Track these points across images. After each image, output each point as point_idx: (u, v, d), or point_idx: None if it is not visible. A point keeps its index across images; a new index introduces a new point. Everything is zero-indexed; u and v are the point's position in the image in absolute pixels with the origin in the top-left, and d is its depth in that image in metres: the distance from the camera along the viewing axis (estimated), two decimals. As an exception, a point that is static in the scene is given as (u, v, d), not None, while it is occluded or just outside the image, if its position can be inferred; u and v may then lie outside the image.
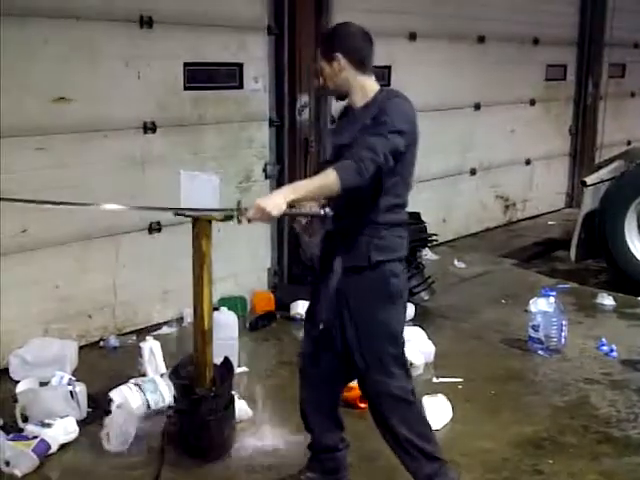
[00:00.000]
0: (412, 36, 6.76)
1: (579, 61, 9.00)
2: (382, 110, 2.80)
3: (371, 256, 2.84)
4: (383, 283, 2.88)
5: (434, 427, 3.69)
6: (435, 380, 4.36)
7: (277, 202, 2.66)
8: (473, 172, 7.80)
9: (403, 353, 2.99)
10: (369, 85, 2.93)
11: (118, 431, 3.57)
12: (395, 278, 2.90)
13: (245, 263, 5.60)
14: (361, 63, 2.91)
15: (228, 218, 3.46)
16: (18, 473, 3.34)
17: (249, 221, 2.82)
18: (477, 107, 7.70)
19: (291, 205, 2.73)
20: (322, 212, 2.79)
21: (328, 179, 2.68)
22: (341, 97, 3.00)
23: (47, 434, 3.53)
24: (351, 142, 2.82)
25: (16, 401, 3.77)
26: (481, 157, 7.85)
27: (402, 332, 2.99)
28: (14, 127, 4.26)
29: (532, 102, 8.43)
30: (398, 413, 2.94)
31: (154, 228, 5.07)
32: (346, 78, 2.90)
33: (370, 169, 2.68)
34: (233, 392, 3.70)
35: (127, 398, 3.83)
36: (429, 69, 6.87)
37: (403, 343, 3.00)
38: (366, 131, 2.78)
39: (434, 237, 6.22)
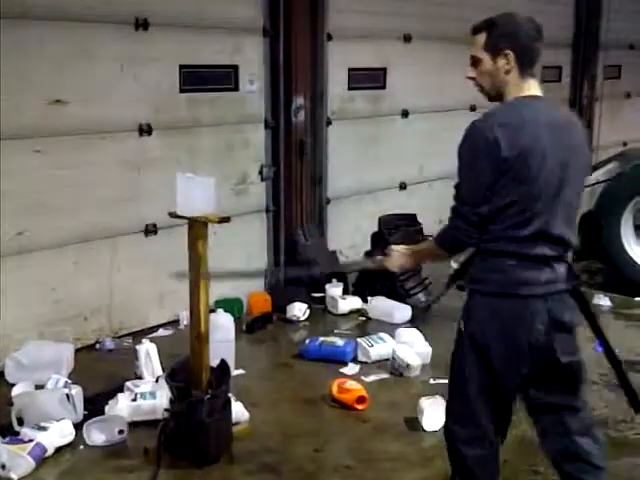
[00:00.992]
0: (407, 38, 6.76)
1: (574, 63, 9.02)
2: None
3: None
4: None
5: (431, 428, 3.72)
6: (432, 381, 4.35)
7: (403, 260, 3.01)
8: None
9: None
10: (525, 91, 2.58)
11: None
12: None
13: (241, 265, 5.59)
14: (529, 65, 2.59)
15: (223, 220, 3.48)
16: (14, 477, 3.32)
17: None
18: (473, 109, 7.69)
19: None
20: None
21: (436, 249, 2.82)
22: (493, 98, 2.68)
23: (43, 437, 3.51)
24: None
25: (12, 404, 3.75)
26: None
27: None
28: (11, 129, 4.26)
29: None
30: None
31: (150, 230, 5.06)
32: (507, 79, 2.58)
33: (462, 237, 2.61)
34: (230, 394, 3.69)
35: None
36: (424, 71, 6.87)
37: None
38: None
39: (430, 239, 6.21)
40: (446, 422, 2.82)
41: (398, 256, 2.96)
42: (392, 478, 3.30)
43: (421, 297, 5.70)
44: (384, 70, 6.57)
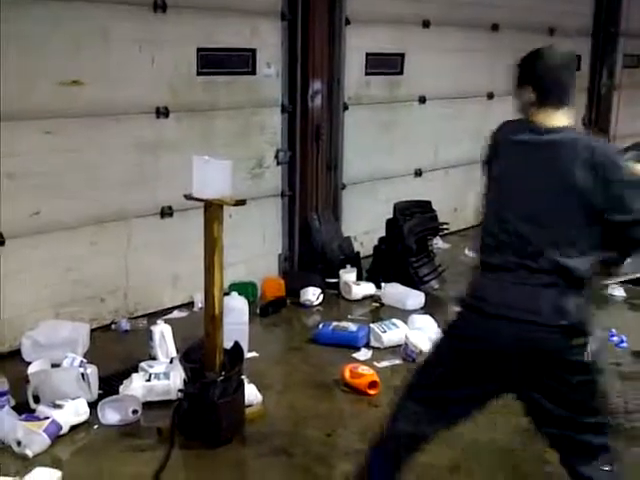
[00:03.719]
0: (426, 23, 6.72)
1: (593, 51, 8.94)
2: None
3: None
4: None
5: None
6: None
7: None
8: (486, 161, 7.76)
9: None
10: (542, 120, 2.65)
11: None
12: None
13: (256, 249, 5.62)
14: (545, 97, 2.67)
15: (239, 203, 3.49)
16: (29, 453, 3.36)
17: None
18: (490, 96, 7.66)
19: None
20: None
21: None
22: None
23: (58, 415, 3.55)
24: None
25: (28, 382, 3.79)
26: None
27: None
28: (27, 110, 4.28)
29: (546, 92, 8.36)
30: None
31: (166, 213, 5.08)
32: (531, 111, 2.70)
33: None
34: (243, 376, 3.71)
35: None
36: (442, 57, 6.83)
37: None
38: None
39: (445, 226, 6.22)
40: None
41: None
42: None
43: (434, 284, 5.71)
44: (402, 55, 6.54)
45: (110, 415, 3.70)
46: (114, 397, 3.80)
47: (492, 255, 2.61)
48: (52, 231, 4.51)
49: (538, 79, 2.73)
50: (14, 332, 4.34)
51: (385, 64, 6.47)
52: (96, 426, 3.63)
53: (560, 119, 2.63)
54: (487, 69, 7.39)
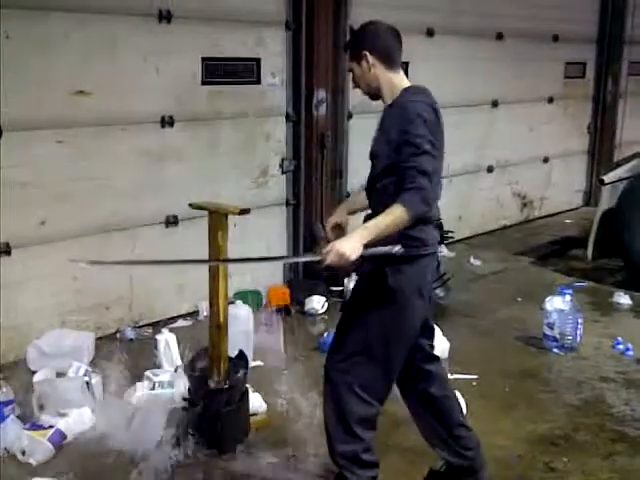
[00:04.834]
0: (430, 32, 6.75)
1: (599, 59, 8.94)
2: (405, 119, 2.75)
3: None
4: None
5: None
6: (450, 376, 4.34)
7: (355, 246, 2.64)
8: (490, 169, 7.78)
9: None
10: (397, 82, 2.91)
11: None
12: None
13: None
14: (389, 59, 2.90)
15: (244, 212, 3.50)
16: (33, 462, 3.38)
17: (327, 266, 2.73)
18: (495, 104, 7.67)
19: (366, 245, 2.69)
20: (394, 250, 2.70)
21: (396, 214, 2.65)
22: (374, 97, 2.99)
23: (63, 424, 3.57)
24: (377, 153, 2.86)
25: (33, 391, 3.81)
26: (498, 154, 7.82)
27: None
28: (35, 120, 4.31)
29: (550, 100, 8.38)
30: None
31: (171, 222, 5.09)
32: (375, 76, 2.89)
33: (431, 196, 2.71)
34: (247, 385, 3.71)
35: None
36: (447, 65, 6.85)
37: None
38: (400, 149, 2.72)
39: (450, 234, 6.21)
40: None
41: (351, 236, 2.69)
42: (409, 470, 3.31)
43: (439, 292, 5.69)
44: (406, 64, 6.55)
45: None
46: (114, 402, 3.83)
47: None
48: (58, 240, 4.53)
49: (379, 43, 2.91)
50: (20, 341, 4.36)
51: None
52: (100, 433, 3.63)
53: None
54: (491, 77, 7.41)
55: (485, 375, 4.39)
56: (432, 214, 2.85)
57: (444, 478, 3.18)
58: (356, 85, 3.00)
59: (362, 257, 2.70)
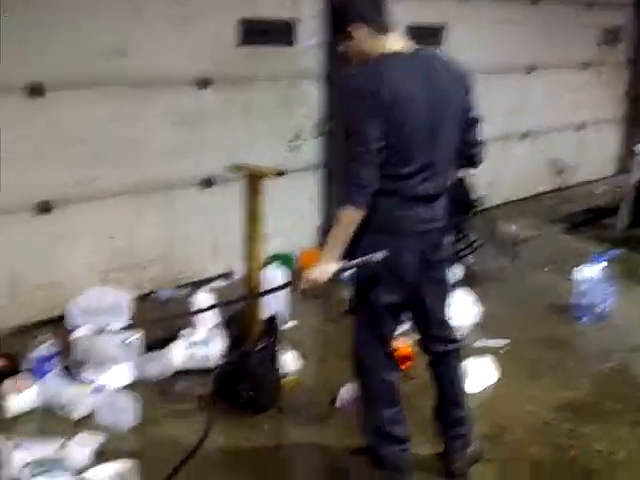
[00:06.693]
0: (467, -5, 6.66)
1: (635, 24, 8.75)
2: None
3: None
4: None
5: (475, 389, 3.78)
6: (480, 343, 4.40)
7: (321, 269, 2.67)
8: (524, 136, 7.71)
9: None
10: (382, 47, 2.67)
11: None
12: None
13: (294, 221, 5.66)
14: (374, 23, 2.69)
15: (280, 174, 3.53)
16: (75, 416, 3.48)
17: (305, 292, 2.77)
18: (529, 70, 7.57)
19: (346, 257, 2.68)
20: (378, 256, 2.66)
21: (345, 218, 2.60)
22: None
23: (102, 380, 3.68)
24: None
25: (74, 347, 3.92)
26: (532, 121, 7.73)
27: None
28: (75, 80, 4.35)
29: (585, 66, 8.25)
30: None
31: (207, 183, 5.14)
32: (364, 48, 2.68)
33: (362, 192, 2.58)
34: (280, 346, 3.79)
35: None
36: (482, 30, 6.76)
37: None
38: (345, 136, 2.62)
39: (479, 202, 6.18)
40: None
41: (318, 263, 2.69)
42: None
43: (470, 259, 5.71)
44: (442, 28, 6.48)
45: (149, 373, 3.84)
46: (153, 355, 3.94)
47: None
48: (97, 199, 4.61)
49: (362, 10, 2.71)
50: (61, 298, 4.45)
51: (425, 36, 6.41)
52: (138, 390, 3.73)
53: (401, 41, 2.75)
54: (526, 43, 7.31)
55: (515, 342, 4.43)
56: (414, 191, 2.69)
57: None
58: (354, 62, 2.74)
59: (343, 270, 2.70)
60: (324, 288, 2.74)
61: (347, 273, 2.79)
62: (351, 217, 2.60)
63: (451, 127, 2.77)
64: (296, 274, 2.87)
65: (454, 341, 3.11)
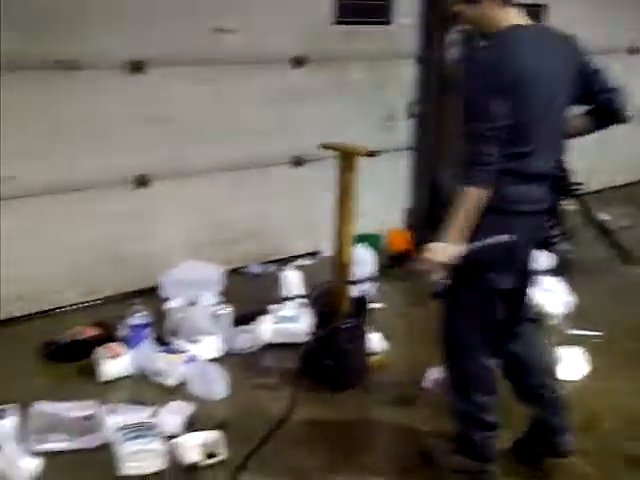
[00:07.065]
0: (569, -27, 6.42)
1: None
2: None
3: None
4: None
5: (566, 377, 3.68)
6: (572, 332, 4.29)
7: (444, 249, 2.60)
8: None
9: None
10: (506, 20, 2.63)
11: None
12: None
13: (382, 202, 5.61)
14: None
15: (371, 154, 3.52)
16: (168, 384, 3.58)
17: (421, 272, 2.73)
18: (632, 51, 7.26)
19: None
20: (504, 238, 2.60)
21: (470, 197, 2.52)
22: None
23: (195, 349, 3.77)
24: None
25: (167, 317, 4.03)
26: (635, 104, 7.40)
27: None
28: (177, 57, 4.43)
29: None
30: None
31: (299, 161, 5.17)
32: (488, 16, 2.63)
33: (487, 170, 2.52)
34: (369, 325, 3.79)
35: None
36: (583, 10, 6.50)
37: None
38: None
39: (579, 187, 6.00)
40: None
41: (437, 255, 2.62)
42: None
43: (564, 246, 5.54)
44: (544, 6, 6.28)
45: (239, 345, 3.92)
46: (245, 328, 4.02)
47: None
48: (193, 175, 4.70)
49: None
50: (155, 269, 4.58)
51: (527, 15, 6.23)
52: (227, 362, 3.81)
53: (522, 17, 2.70)
54: (629, 23, 7.00)
55: (609, 333, 4.30)
56: (530, 170, 2.63)
57: (528, 442, 3.12)
58: (469, 28, 2.81)
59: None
60: (444, 269, 2.68)
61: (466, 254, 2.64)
62: (476, 196, 2.52)
63: (563, 105, 2.71)
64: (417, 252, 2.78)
65: (533, 320, 3.08)
